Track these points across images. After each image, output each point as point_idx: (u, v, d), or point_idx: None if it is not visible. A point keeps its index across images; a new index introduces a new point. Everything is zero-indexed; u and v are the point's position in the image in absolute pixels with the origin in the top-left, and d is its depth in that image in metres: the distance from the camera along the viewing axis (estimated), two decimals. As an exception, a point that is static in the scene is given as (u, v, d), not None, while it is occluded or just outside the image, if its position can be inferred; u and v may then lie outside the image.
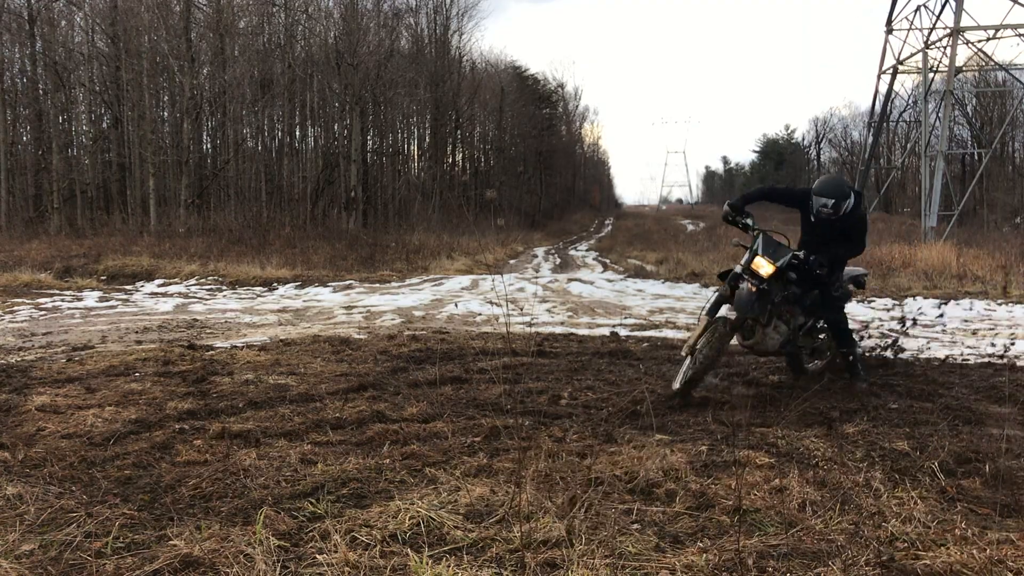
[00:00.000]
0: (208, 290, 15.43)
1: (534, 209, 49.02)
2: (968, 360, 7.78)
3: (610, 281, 17.71)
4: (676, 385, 5.68)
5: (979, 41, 28.56)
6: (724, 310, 5.76)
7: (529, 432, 4.82)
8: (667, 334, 9.51)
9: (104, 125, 31.48)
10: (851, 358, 6.28)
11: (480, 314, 11.55)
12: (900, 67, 32.03)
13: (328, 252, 20.81)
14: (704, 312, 5.83)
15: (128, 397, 5.77)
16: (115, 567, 3.04)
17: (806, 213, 6.09)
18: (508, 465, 4.20)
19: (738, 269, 5.79)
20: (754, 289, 5.63)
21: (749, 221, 5.93)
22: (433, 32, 38.54)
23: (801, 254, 5.82)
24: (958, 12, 26.93)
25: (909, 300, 13.28)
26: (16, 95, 29.73)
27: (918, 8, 30.11)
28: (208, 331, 9.77)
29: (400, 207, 34.42)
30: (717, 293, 5.93)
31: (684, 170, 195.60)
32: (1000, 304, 12.80)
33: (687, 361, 5.71)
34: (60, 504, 3.65)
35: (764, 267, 5.62)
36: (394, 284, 16.47)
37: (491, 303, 12.68)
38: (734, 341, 5.98)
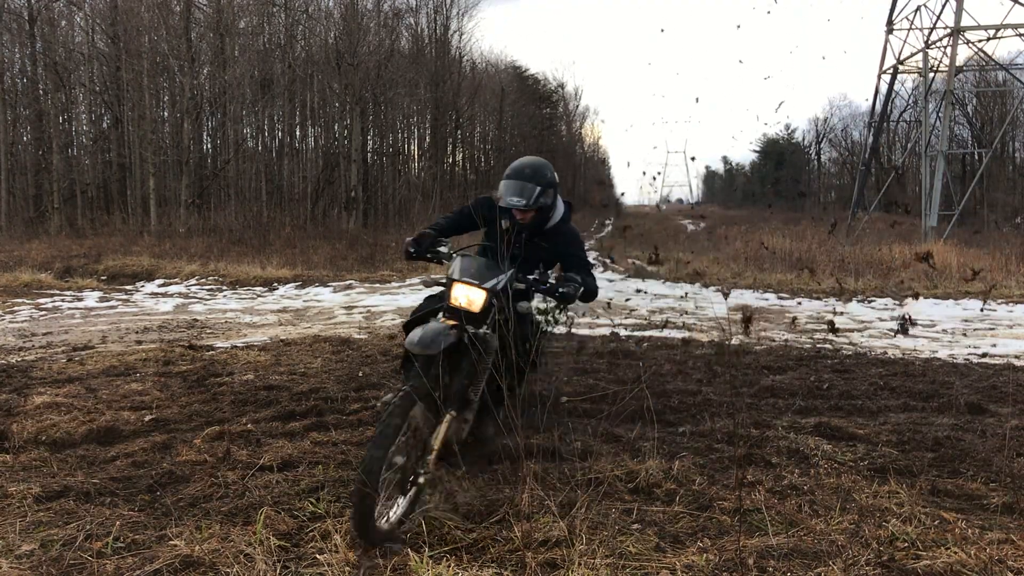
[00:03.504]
0: (208, 290, 15.43)
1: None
2: (969, 360, 7.78)
3: (610, 281, 17.70)
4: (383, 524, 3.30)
5: (979, 41, 28.55)
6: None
7: (529, 432, 4.82)
8: (667, 334, 9.51)
9: (104, 125, 31.49)
10: (499, 413, 3.98)
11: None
12: (900, 67, 32.02)
13: (328, 252, 20.81)
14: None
15: (128, 397, 5.77)
16: (115, 567, 3.04)
17: (494, 224, 4.29)
18: (508, 465, 4.20)
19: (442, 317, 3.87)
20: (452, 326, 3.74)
21: (443, 248, 4.23)
22: (433, 32, 38.53)
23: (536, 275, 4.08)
24: (958, 12, 26.93)
25: (909, 300, 13.28)
26: (16, 95, 29.73)
27: (918, 8, 30.10)
28: (208, 331, 9.77)
29: (400, 207, 34.42)
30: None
31: (684, 170, 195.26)
32: (1000, 304, 12.80)
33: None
34: (60, 504, 3.65)
35: (468, 295, 3.79)
36: (394, 284, 16.46)
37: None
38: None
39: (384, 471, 3.24)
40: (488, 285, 3.83)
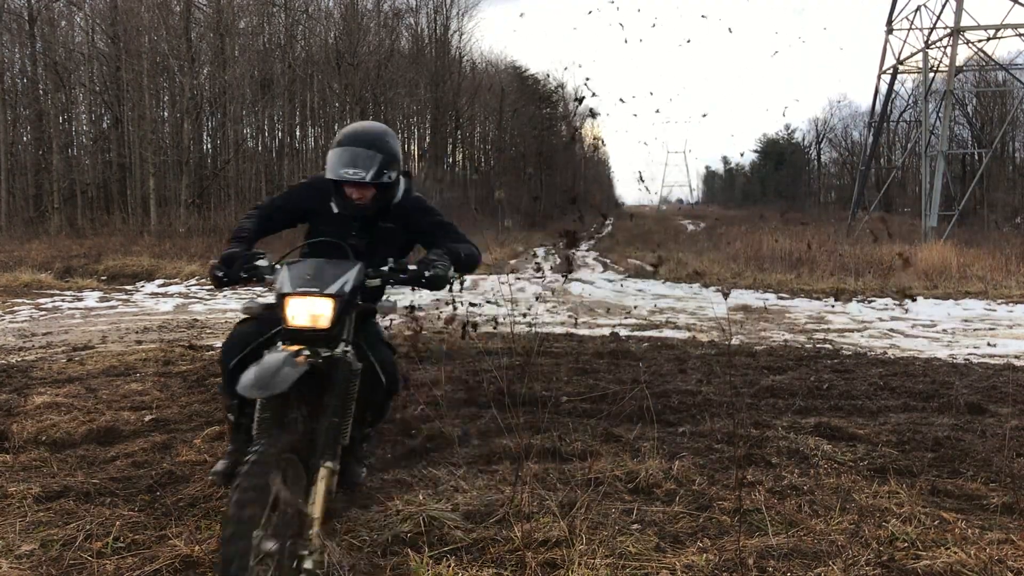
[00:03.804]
0: (208, 290, 15.43)
1: (534, 209, 49.00)
2: (969, 360, 7.78)
3: (610, 281, 17.71)
4: None
5: (979, 41, 28.56)
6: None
7: (529, 432, 4.82)
8: (667, 334, 9.50)
9: (104, 125, 31.50)
10: (370, 433, 3.61)
11: (480, 314, 11.54)
12: (900, 67, 32.02)
13: (328, 252, 20.78)
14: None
15: (128, 397, 5.77)
16: (115, 567, 3.04)
17: (325, 210, 3.52)
18: (508, 465, 4.20)
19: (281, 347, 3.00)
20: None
21: (263, 262, 3.21)
22: (433, 32, 38.56)
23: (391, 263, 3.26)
24: (958, 12, 26.93)
25: (909, 300, 13.29)
26: (16, 95, 29.74)
27: (918, 8, 30.11)
28: (208, 331, 9.77)
29: (400, 207, 34.40)
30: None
31: (684, 170, 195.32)
32: (1000, 304, 12.80)
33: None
34: (60, 504, 3.65)
35: (306, 309, 2.93)
36: (394, 284, 16.45)
37: (491, 303, 12.67)
38: None
39: (254, 562, 2.36)
40: (333, 289, 2.92)
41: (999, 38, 28.33)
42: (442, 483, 3.93)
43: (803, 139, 75.33)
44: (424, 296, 14.31)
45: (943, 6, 28.41)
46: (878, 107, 33.52)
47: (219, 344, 8.50)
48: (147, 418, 5.20)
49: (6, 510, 3.59)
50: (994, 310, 12.14)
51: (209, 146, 31.74)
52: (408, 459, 4.39)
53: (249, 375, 2.71)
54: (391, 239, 3.47)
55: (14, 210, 28.16)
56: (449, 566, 3.05)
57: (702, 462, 4.30)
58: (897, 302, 13.17)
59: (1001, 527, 3.45)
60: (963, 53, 30.04)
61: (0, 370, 6.80)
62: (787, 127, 74.31)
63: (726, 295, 4.71)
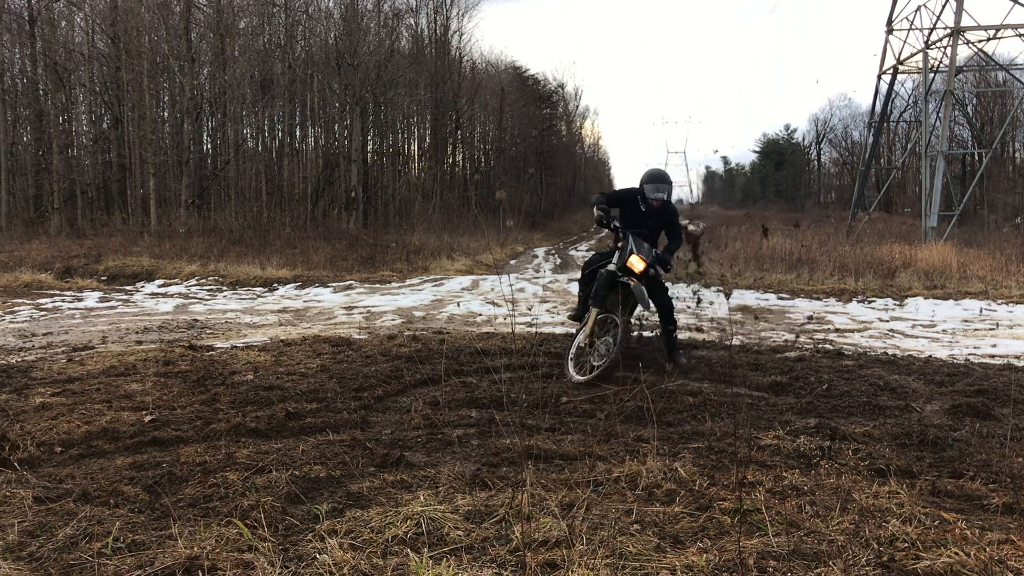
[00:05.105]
0: (208, 290, 15.44)
1: (534, 209, 49.01)
2: (969, 360, 7.78)
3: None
4: (583, 378, 6.30)
5: (979, 41, 28.56)
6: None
7: (529, 432, 4.82)
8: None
9: (104, 125, 31.50)
10: (673, 334, 7.12)
11: (480, 314, 11.55)
12: (900, 67, 32.02)
13: (328, 252, 20.81)
14: (592, 305, 6.66)
15: (128, 397, 5.77)
16: (115, 567, 3.03)
17: (635, 207, 7.00)
18: (508, 466, 4.20)
19: (611, 267, 6.73)
20: (633, 283, 6.62)
21: (617, 224, 6.88)
22: (433, 32, 38.53)
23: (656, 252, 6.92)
24: (958, 12, 26.93)
25: (909, 300, 13.28)
26: (16, 95, 29.74)
27: (918, 8, 30.11)
28: (208, 331, 9.77)
29: (400, 207, 34.41)
30: (597, 284, 6.72)
31: (684, 170, 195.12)
32: (1000, 304, 12.80)
33: (590, 352, 6.48)
34: (60, 504, 3.65)
35: (639, 265, 6.63)
36: (394, 284, 16.46)
37: (492, 303, 12.69)
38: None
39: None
40: (650, 260, 6.81)
41: (999, 38, 28.33)
42: (442, 483, 3.93)
43: (803, 139, 75.38)
44: (426, 297, 14.30)
45: (943, 6, 28.42)
46: (878, 107, 33.52)
47: (219, 344, 8.52)
48: (147, 418, 5.20)
49: (6, 510, 3.59)
50: (994, 310, 12.14)
51: (209, 146, 31.74)
52: (408, 459, 4.39)
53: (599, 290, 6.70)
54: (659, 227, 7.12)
55: (14, 210, 28.16)
56: (449, 566, 3.04)
57: (702, 462, 4.30)
58: (897, 302, 13.16)
59: (1001, 527, 3.45)
60: (963, 53, 30.06)
61: (0, 370, 6.80)
62: (787, 127, 74.46)
63: (728, 295, 4.71)
